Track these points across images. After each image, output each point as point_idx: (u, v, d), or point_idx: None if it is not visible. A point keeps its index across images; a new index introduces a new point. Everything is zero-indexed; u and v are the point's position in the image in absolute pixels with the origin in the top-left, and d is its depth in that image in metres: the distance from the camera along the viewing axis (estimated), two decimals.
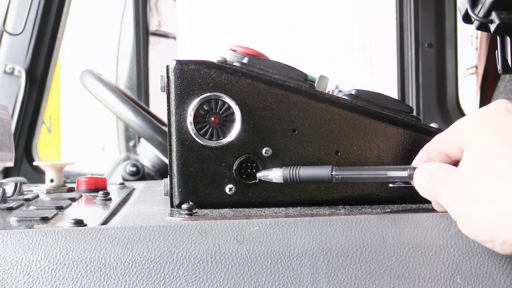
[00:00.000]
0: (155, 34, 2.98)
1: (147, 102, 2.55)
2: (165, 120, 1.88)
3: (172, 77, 0.73)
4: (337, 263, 0.62)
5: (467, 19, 0.81)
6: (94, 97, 1.89)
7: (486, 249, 0.62)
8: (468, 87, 2.68)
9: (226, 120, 0.74)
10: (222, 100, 0.73)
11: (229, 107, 0.73)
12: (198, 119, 0.73)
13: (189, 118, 0.73)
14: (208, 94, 0.73)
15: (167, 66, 0.74)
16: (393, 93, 2.29)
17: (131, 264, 0.61)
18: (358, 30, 5.22)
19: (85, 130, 4.86)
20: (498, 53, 0.82)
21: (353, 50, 5.22)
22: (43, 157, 2.24)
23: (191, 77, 0.73)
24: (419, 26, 2.29)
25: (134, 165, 1.88)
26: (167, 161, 1.88)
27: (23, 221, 0.69)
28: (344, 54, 5.21)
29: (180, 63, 0.73)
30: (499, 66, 0.82)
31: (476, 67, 2.57)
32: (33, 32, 2.01)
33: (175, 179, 0.74)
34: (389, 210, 0.71)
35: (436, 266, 0.62)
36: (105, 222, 0.69)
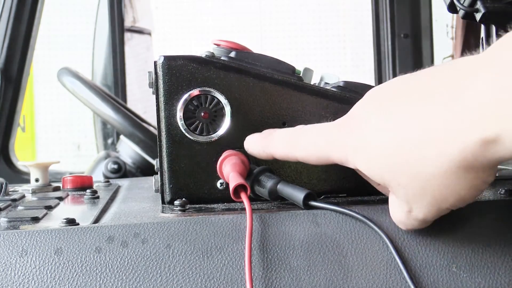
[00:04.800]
0: (131, 30, 2.96)
1: (124, 99, 2.53)
2: (143, 116, 1.87)
3: (160, 73, 0.73)
4: (333, 255, 0.62)
5: (452, 8, 0.82)
6: (73, 95, 1.87)
7: (481, 237, 0.63)
8: None
9: (216, 115, 0.73)
10: (212, 95, 0.73)
11: (219, 101, 0.73)
12: (188, 115, 0.73)
13: (179, 114, 0.72)
14: (197, 89, 0.73)
15: (155, 62, 0.73)
16: (371, 84, 2.30)
17: (126, 262, 0.61)
18: (333, 22, 5.23)
19: (59, 129, 4.82)
20: (483, 41, 0.82)
21: (329, 42, 5.23)
22: (18, 156, 2.21)
23: (180, 72, 0.73)
24: (394, 17, 2.30)
25: (115, 163, 1.86)
26: (148, 158, 1.88)
27: (13, 221, 0.68)
28: (319, 46, 5.21)
29: (167, 58, 0.73)
30: None
31: (452, 56, 2.58)
32: (6, 31, 1.98)
33: (165, 176, 0.73)
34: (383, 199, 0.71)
35: (432, 255, 0.62)
36: (96, 220, 0.69)
